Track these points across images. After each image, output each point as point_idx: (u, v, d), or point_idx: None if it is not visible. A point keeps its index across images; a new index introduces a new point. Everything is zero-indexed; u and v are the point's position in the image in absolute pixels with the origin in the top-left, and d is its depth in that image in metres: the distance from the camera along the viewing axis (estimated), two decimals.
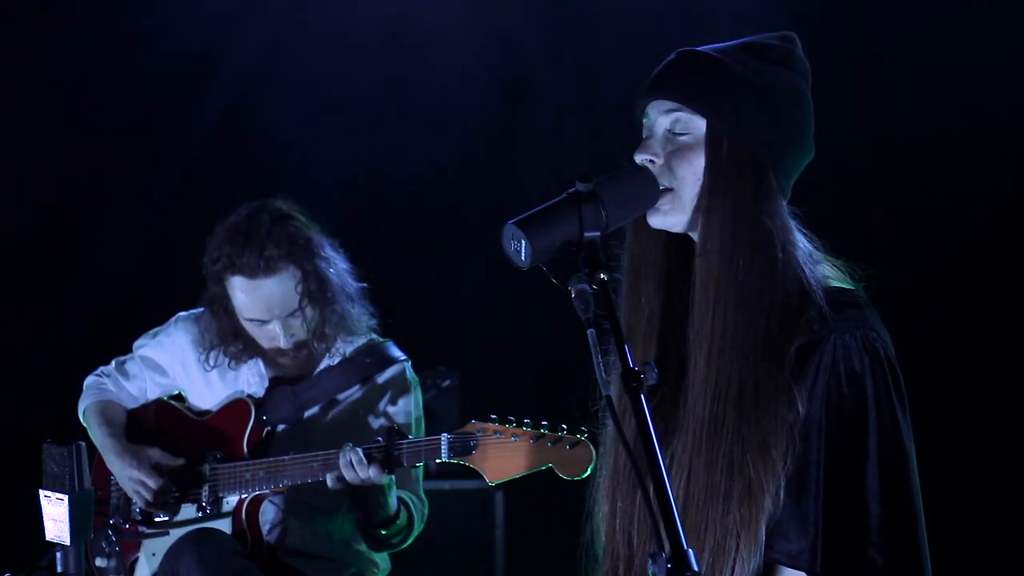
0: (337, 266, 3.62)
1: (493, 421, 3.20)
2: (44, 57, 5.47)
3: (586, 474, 3.06)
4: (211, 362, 3.68)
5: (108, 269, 5.58)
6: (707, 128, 2.14)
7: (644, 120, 2.22)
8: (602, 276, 1.88)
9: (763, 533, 2.06)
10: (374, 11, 5.69)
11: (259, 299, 3.50)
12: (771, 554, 2.08)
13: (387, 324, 3.80)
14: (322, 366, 3.67)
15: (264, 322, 3.54)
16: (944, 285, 5.14)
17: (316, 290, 3.54)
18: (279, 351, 3.59)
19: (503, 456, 3.18)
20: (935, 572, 2.09)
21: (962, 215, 5.19)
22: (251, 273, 3.47)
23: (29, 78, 5.47)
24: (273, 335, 3.55)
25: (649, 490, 1.73)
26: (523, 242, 1.94)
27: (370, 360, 3.68)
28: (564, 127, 5.72)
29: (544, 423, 3.15)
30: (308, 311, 3.55)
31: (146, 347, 3.83)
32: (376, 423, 3.63)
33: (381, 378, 3.68)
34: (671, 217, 2.17)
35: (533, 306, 5.13)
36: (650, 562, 1.68)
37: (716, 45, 2.21)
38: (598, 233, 1.96)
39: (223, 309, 3.60)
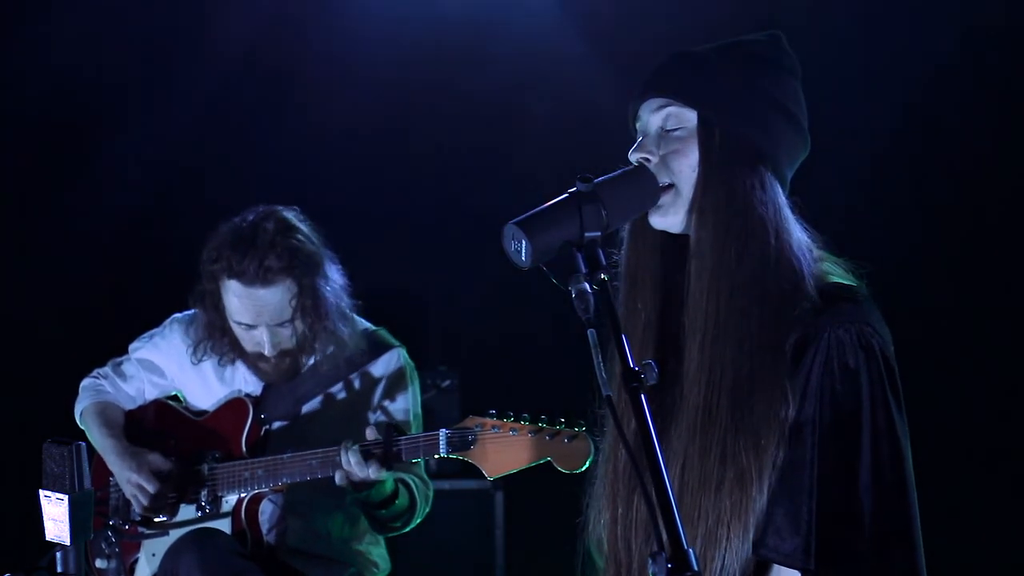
0: (334, 284, 3.62)
1: (491, 416, 3.21)
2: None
3: (584, 467, 3.07)
4: (198, 355, 3.68)
5: (107, 268, 5.58)
6: (698, 119, 2.16)
7: (636, 124, 2.24)
8: (602, 276, 1.89)
9: (752, 522, 2.07)
10: (372, 9, 5.68)
11: (251, 306, 3.51)
12: (765, 552, 2.08)
13: (388, 325, 3.80)
14: (316, 358, 3.67)
15: (251, 327, 3.54)
16: (943, 281, 5.14)
17: (310, 306, 3.54)
18: (261, 356, 3.59)
19: (501, 450, 3.19)
20: (930, 569, 2.08)
21: (964, 212, 5.20)
22: (248, 281, 3.47)
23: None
24: (258, 341, 3.56)
25: (649, 490, 1.73)
26: (523, 242, 1.94)
27: (364, 348, 3.68)
28: (566, 127, 5.71)
29: (542, 417, 3.16)
30: (298, 324, 3.55)
31: (142, 349, 3.83)
32: (373, 415, 3.63)
33: (376, 366, 3.69)
34: (671, 215, 2.17)
35: (533, 306, 5.13)
36: (650, 562, 1.68)
37: (703, 45, 2.23)
38: (598, 233, 1.97)
39: (213, 305, 3.60)
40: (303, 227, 3.59)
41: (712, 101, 2.15)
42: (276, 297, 3.50)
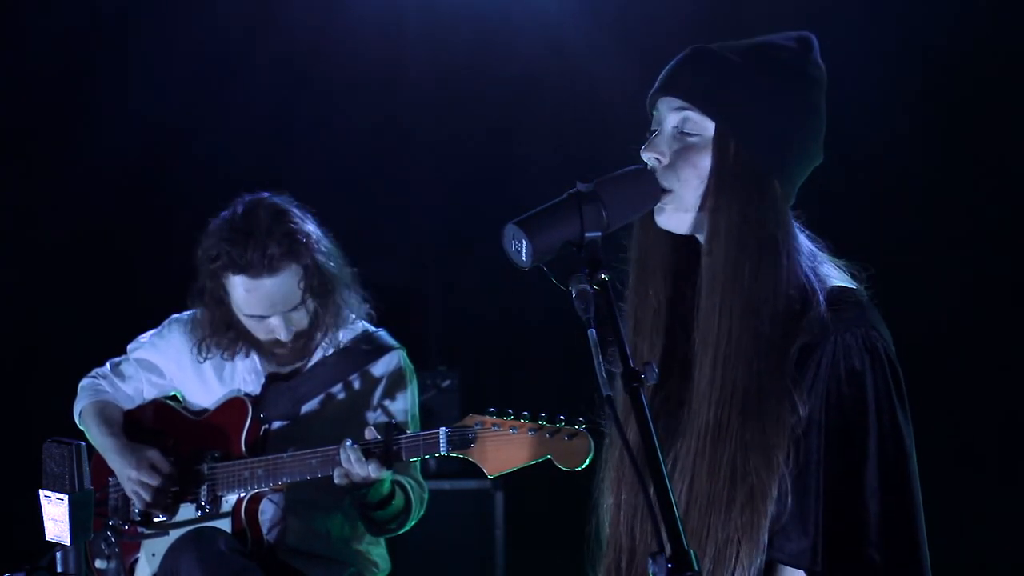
0: (334, 256, 3.63)
1: (491, 414, 3.20)
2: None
3: (584, 465, 3.07)
4: (203, 353, 3.68)
5: (106, 269, 5.58)
6: (715, 131, 2.12)
7: (654, 112, 2.21)
8: (603, 276, 1.88)
9: (765, 538, 2.06)
10: (370, 6, 5.68)
11: (262, 297, 3.50)
12: (772, 553, 2.08)
13: (387, 325, 3.80)
14: (316, 358, 3.67)
15: (264, 317, 3.54)
16: (945, 282, 5.14)
17: (317, 284, 3.55)
18: (276, 342, 3.59)
19: (501, 448, 3.19)
20: (935, 570, 2.09)
21: (964, 213, 5.20)
22: (255, 273, 3.47)
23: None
24: (273, 328, 3.55)
25: (650, 490, 1.73)
26: (524, 242, 1.94)
27: (364, 349, 3.68)
28: (566, 126, 5.71)
29: (542, 415, 3.16)
30: (309, 304, 3.56)
31: (141, 349, 3.82)
32: (373, 415, 3.63)
33: (376, 367, 3.68)
34: (674, 218, 2.16)
35: (533, 306, 5.13)
36: (650, 562, 1.68)
37: (729, 43, 2.19)
38: (599, 233, 1.96)
39: (215, 301, 3.59)
40: (293, 209, 3.60)
41: (732, 114, 2.11)
42: (285, 284, 3.50)
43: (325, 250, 3.60)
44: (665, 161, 2.14)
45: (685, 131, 2.15)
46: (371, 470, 3.23)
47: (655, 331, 2.22)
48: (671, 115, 2.16)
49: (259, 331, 3.58)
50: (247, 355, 3.67)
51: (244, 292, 3.51)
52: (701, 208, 2.13)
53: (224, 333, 3.63)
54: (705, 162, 2.12)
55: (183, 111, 5.66)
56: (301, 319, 3.57)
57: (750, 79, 2.13)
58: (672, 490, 1.73)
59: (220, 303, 3.59)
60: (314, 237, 3.57)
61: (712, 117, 2.12)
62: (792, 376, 2.07)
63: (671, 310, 2.22)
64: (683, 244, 2.22)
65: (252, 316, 3.55)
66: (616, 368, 1.85)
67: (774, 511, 2.06)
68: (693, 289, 2.17)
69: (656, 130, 2.18)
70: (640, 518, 2.21)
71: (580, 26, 5.69)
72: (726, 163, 2.11)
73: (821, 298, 2.10)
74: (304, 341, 3.62)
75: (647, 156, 2.16)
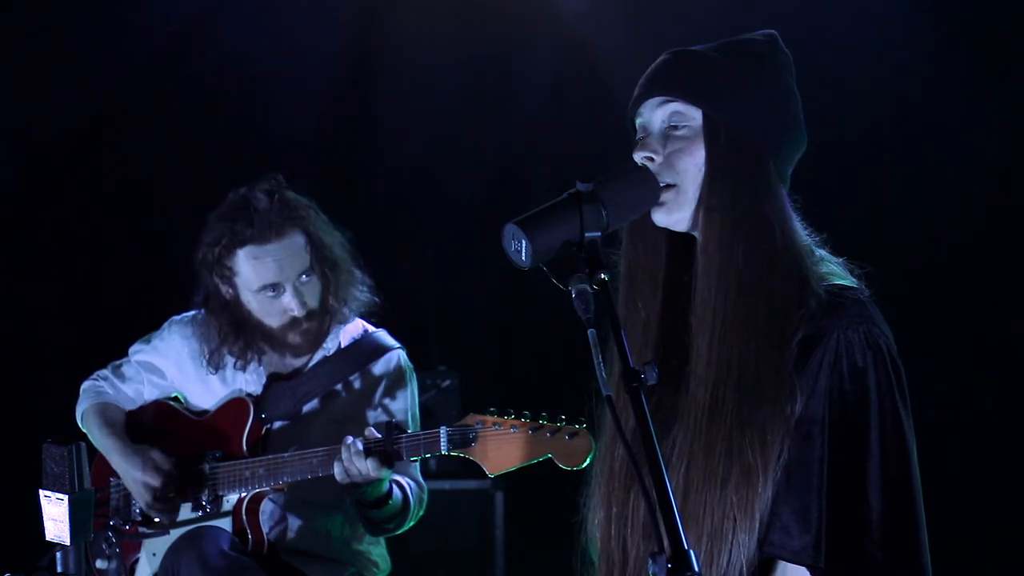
0: (335, 234, 3.65)
1: (491, 413, 3.21)
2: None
3: (585, 464, 3.07)
4: (215, 364, 3.67)
5: (107, 270, 5.58)
6: (703, 118, 2.16)
7: (638, 120, 2.24)
8: (603, 276, 1.89)
9: (759, 517, 2.07)
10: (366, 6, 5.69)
11: (271, 263, 3.50)
12: (773, 550, 2.09)
13: (387, 325, 3.80)
14: (318, 358, 3.67)
15: (277, 287, 3.53)
16: (946, 280, 5.14)
17: (324, 254, 3.57)
18: (292, 324, 3.58)
19: (502, 448, 3.19)
20: (935, 567, 2.10)
21: (963, 209, 5.21)
22: (260, 240, 3.49)
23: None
24: (286, 306, 3.54)
25: (649, 489, 1.73)
26: (524, 242, 1.94)
27: (364, 349, 3.68)
28: (567, 127, 5.71)
29: (543, 414, 3.16)
30: (318, 272, 3.56)
31: (142, 352, 3.82)
32: (373, 414, 3.63)
33: (376, 367, 3.69)
34: (675, 213, 2.18)
35: (533, 306, 5.13)
36: (650, 562, 1.68)
37: (701, 45, 2.24)
38: (599, 233, 1.97)
39: (220, 304, 3.59)
40: (288, 190, 3.62)
41: (717, 99, 2.16)
42: (291, 248, 3.52)
43: (327, 223, 3.62)
44: (659, 159, 2.16)
45: (673, 124, 2.18)
46: (371, 468, 3.23)
47: (645, 346, 2.23)
48: (657, 113, 2.19)
49: (273, 314, 3.57)
50: (259, 363, 3.66)
51: (253, 261, 3.51)
52: (700, 199, 2.16)
53: (234, 341, 3.62)
54: (700, 151, 2.15)
55: (187, 112, 5.67)
56: (313, 291, 3.57)
57: (728, 67, 2.18)
58: (671, 483, 1.74)
59: (227, 305, 3.59)
60: (315, 210, 3.61)
61: (698, 105, 2.16)
62: (794, 364, 2.08)
63: (661, 323, 2.24)
64: (674, 252, 2.24)
65: (264, 289, 3.53)
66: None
67: (767, 494, 2.06)
68: (685, 295, 2.18)
69: (643, 134, 2.21)
70: (631, 530, 2.22)
71: (585, 26, 5.70)
72: (719, 147, 2.15)
73: (822, 293, 2.11)
74: (317, 323, 3.61)
75: (639, 157, 2.18)
